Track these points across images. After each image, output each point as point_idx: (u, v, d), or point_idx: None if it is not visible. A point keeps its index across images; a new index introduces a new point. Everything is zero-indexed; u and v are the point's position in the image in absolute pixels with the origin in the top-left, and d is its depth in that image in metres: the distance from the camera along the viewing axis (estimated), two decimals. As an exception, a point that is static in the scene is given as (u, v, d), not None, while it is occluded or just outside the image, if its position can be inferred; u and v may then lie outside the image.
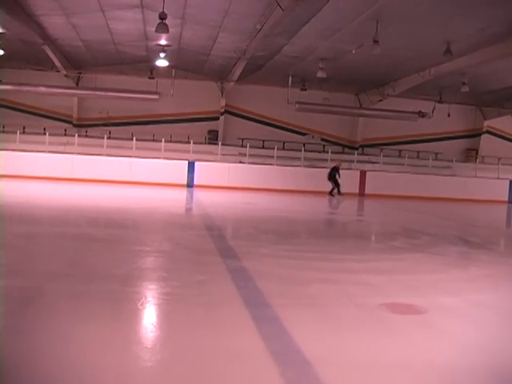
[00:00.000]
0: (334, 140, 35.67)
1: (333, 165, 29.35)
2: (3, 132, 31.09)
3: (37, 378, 4.84)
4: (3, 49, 27.20)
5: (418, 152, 35.84)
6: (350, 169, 32.54)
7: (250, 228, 15.73)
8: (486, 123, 38.18)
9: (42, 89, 30.89)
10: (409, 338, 6.43)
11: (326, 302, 7.65)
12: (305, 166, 31.28)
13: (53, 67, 30.90)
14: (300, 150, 32.48)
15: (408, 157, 34.09)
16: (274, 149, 31.92)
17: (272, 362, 5.35)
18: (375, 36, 20.43)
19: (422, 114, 34.28)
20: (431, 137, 37.05)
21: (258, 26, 21.44)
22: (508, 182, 33.47)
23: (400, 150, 35.70)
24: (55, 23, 24.05)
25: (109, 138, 30.82)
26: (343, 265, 10.41)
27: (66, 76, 32.39)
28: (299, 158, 31.88)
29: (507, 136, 38.58)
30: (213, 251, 11.30)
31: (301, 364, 5.39)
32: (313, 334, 6.26)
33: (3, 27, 24.56)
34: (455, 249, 13.99)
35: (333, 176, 28.69)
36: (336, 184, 28.72)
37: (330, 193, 28.85)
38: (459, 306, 7.91)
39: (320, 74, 27.56)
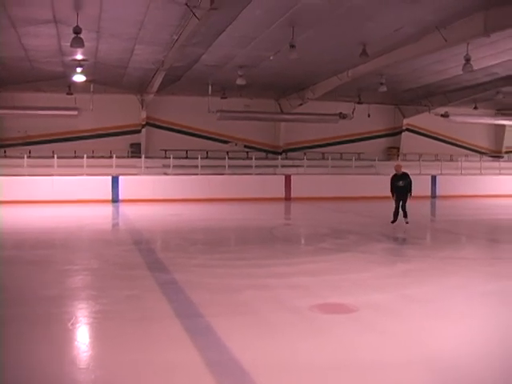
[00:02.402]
0: (257, 146, 35.73)
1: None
2: None
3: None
4: None
5: (340, 153, 36.17)
6: (275, 174, 32.73)
7: (178, 239, 15.66)
8: (405, 121, 38.91)
9: (-44, 110, 30.12)
10: (341, 337, 6.52)
11: (258, 308, 7.69)
12: (229, 174, 31.31)
13: (-34, 87, 30.17)
14: (224, 158, 32.51)
15: (331, 158, 34.46)
16: (197, 158, 31.88)
17: (208, 373, 5.35)
18: (292, 41, 20.60)
19: (342, 116, 34.72)
20: (353, 137, 37.53)
21: (175, 37, 21.32)
22: (430, 177, 34.23)
23: (323, 153, 35.97)
24: (-35, 41, 23.45)
25: (29, 157, 30.22)
26: (273, 270, 10.47)
27: (-20, 96, 31.64)
28: (223, 166, 31.91)
29: (426, 133, 39.43)
30: (142, 265, 11.22)
31: (237, 372, 5.40)
32: (246, 341, 6.30)
33: None
34: (382, 246, 14.24)
35: (398, 188, 17.94)
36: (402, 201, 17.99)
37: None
38: (389, 301, 8.06)
39: (239, 82, 27.60)
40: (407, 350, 6.05)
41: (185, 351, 5.89)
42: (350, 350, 6.07)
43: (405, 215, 17.66)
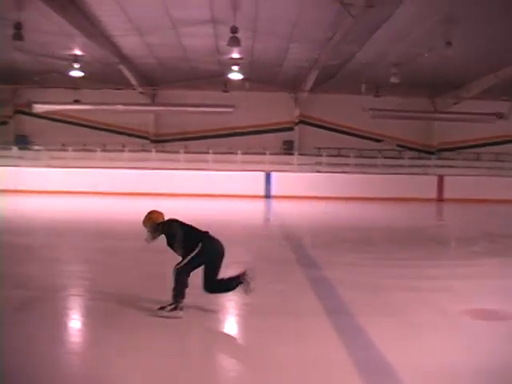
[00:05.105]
0: (409, 145, 35.23)
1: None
2: (84, 150, 31.96)
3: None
4: (82, 70, 28.01)
5: (496, 154, 35.06)
6: (427, 174, 32.12)
7: (329, 237, 15.73)
8: None
9: (120, 107, 31.53)
10: (491, 344, 6.35)
11: (408, 310, 7.63)
12: (381, 174, 31.01)
13: (129, 85, 31.61)
14: (376, 157, 32.34)
15: (487, 159, 33.44)
16: (349, 157, 31.87)
17: (356, 371, 5.38)
18: (448, 38, 20.17)
19: (499, 116, 33.52)
20: (510, 138, 36.18)
21: (329, 35, 21.45)
22: None
23: (478, 153, 34.98)
24: (130, 43, 24.67)
25: (186, 152, 31.41)
26: (423, 271, 10.31)
27: (141, 93, 33.09)
28: (376, 165, 31.70)
29: None
30: (292, 261, 11.38)
31: (385, 373, 5.40)
32: (395, 342, 6.27)
33: (82, 50, 25.46)
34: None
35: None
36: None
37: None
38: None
39: (393, 80, 27.26)
40: None
41: (333, 348, 5.94)
42: (498, 357, 5.92)
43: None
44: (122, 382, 5.15)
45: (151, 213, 7.97)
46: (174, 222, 7.82)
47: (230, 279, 7.52)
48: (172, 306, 7.15)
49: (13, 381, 5.09)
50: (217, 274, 7.47)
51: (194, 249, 7.51)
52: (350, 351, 5.88)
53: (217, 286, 7.48)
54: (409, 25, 20.47)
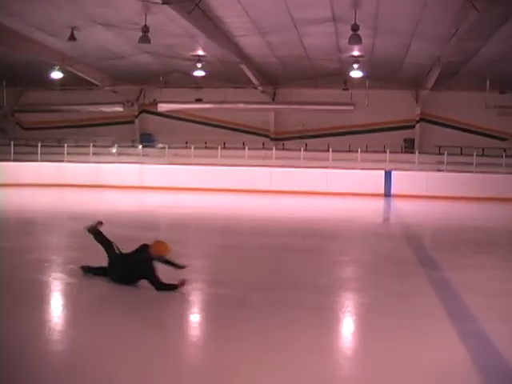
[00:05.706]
0: (537, 143, 33.93)
1: None
2: (206, 148, 32.70)
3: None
4: (204, 70, 28.72)
5: None
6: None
7: (450, 237, 15.42)
8: None
9: (241, 105, 32.11)
10: None
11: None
12: (506, 173, 29.94)
13: (250, 84, 32.06)
14: (501, 157, 31.31)
15: None
16: (472, 156, 31.00)
17: (479, 378, 5.25)
18: None
19: None
20: None
21: (452, 31, 21.00)
22: None
23: None
24: (251, 42, 25.05)
25: (305, 150, 31.57)
26: (551, 275, 9.97)
27: (262, 92, 33.50)
28: (500, 165, 30.67)
29: None
30: (413, 261, 11.25)
31: (510, 379, 5.28)
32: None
33: (205, 51, 26.09)
34: None
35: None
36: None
37: None
38: None
39: (519, 75, 26.54)
40: None
41: (455, 352, 5.82)
42: None
43: None
44: (247, 376, 5.26)
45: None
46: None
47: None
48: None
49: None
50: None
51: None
52: (472, 356, 5.75)
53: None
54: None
